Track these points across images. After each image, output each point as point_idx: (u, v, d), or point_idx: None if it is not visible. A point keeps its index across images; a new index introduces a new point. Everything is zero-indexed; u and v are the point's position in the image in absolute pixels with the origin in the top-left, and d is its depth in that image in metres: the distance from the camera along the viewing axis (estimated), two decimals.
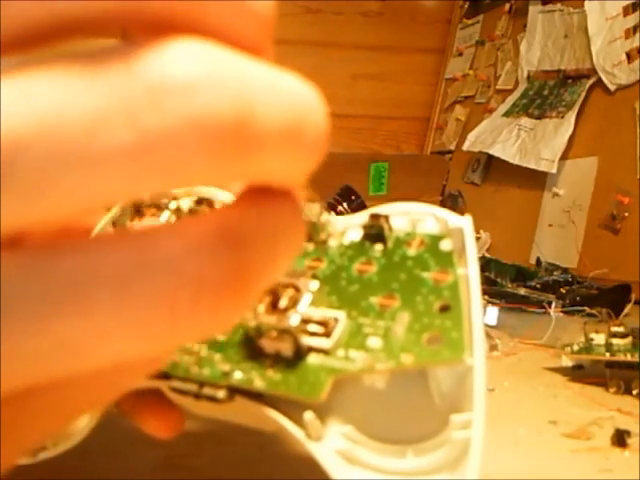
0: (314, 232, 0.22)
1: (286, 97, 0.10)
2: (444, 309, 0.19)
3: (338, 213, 0.79)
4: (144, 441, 0.22)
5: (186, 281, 0.09)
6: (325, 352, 0.19)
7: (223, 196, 0.24)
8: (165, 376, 0.21)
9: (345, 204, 0.80)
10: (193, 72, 0.09)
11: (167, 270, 0.09)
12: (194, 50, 0.09)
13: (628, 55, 0.80)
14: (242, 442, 0.29)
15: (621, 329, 0.44)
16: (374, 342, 0.19)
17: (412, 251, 0.21)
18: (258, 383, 0.19)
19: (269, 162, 0.10)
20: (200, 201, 0.24)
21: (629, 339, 0.43)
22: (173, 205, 0.24)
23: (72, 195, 0.09)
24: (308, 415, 0.19)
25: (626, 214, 0.75)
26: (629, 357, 0.41)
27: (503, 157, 0.94)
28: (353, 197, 0.82)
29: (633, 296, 0.64)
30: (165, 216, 0.23)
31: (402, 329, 0.19)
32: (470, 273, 0.20)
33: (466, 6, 1.24)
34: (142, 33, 0.10)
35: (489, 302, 0.65)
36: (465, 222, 0.21)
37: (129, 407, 0.22)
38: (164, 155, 0.09)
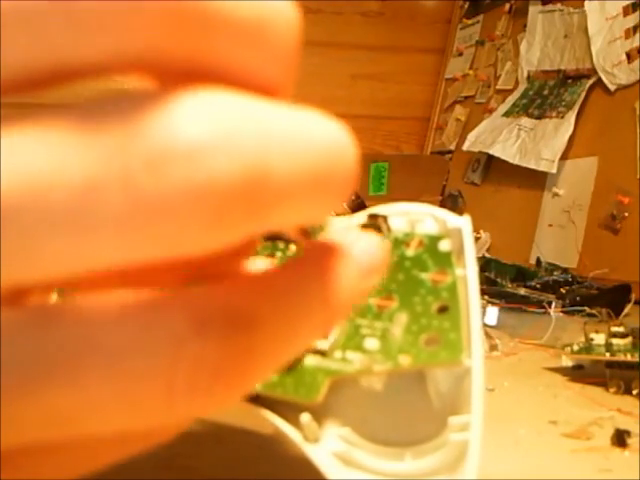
0: (312, 232, 0.22)
1: (310, 144, 0.09)
2: (442, 310, 0.19)
3: (338, 213, 0.79)
4: None
5: (185, 362, 0.09)
6: (322, 353, 0.19)
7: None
8: None
9: (345, 204, 0.80)
10: (198, 134, 0.08)
11: (167, 348, 0.09)
12: (203, 106, 0.09)
13: (628, 55, 0.80)
14: (242, 442, 0.29)
15: (621, 329, 0.44)
16: (371, 343, 0.19)
17: (410, 252, 0.21)
18: None
19: (290, 213, 0.09)
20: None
21: (629, 339, 0.43)
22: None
23: (62, 261, 0.08)
24: (305, 417, 0.19)
25: (626, 214, 0.75)
26: (629, 357, 0.41)
27: (503, 157, 0.94)
28: (353, 197, 0.82)
29: (633, 296, 0.64)
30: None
31: (400, 330, 0.19)
32: (468, 274, 0.20)
33: (466, 6, 1.24)
34: (151, 77, 0.09)
35: (489, 302, 0.65)
36: (464, 222, 0.21)
37: None
38: (160, 225, 0.08)
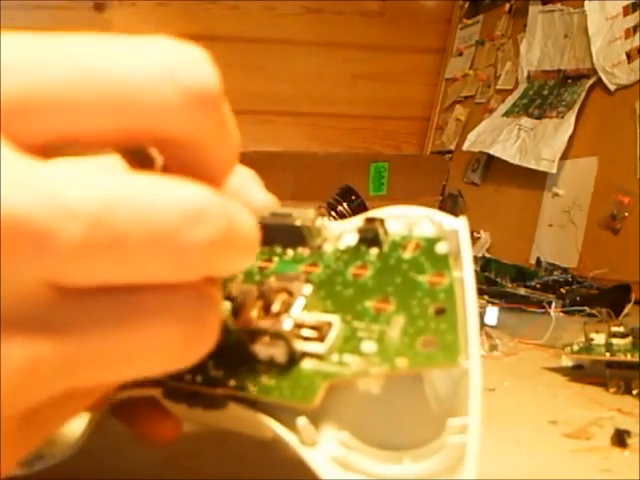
0: (309, 237, 0.22)
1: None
2: (439, 312, 0.19)
3: (338, 213, 0.79)
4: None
5: (189, 324, 0.15)
6: (319, 357, 0.19)
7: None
8: (159, 383, 0.20)
9: (345, 204, 0.80)
10: (210, 208, 0.14)
11: (181, 315, 0.14)
12: (206, 192, 0.14)
13: (628, 55, 0.80)
14: (242, 442, 0.29)
15: (621, 329, 0.44)
16: (368, 346, 0.19)
17: (408, 254, 0.21)
18: (251, 389, 0.19)
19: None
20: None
21: (629, 339, 0.43)
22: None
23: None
24: (301, 421, 0.19)
25: (626, 214, 0.75)
26: (629, 357, 0.41)
27: (503, 157, 0.94)
28: (353, 197, 0.82)
29: (633, 296, 0.64)
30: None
31: (397, 333, 0.19)
32: (465, 276, 0.19)
33: (466, 6, 1.24)
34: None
35: (489, 302, 0.65)
36: (460, 224, 0.21)
37: (125, 414, 0.22)
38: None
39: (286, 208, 0.22)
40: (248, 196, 0.26)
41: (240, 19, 1.20)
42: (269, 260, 0.22)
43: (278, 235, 0.22)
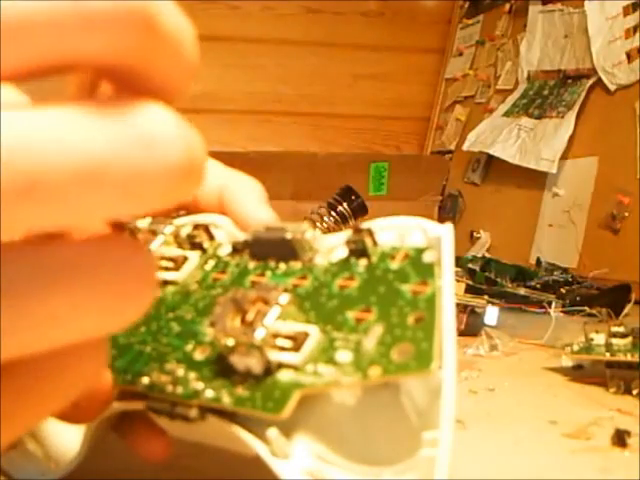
0: (300, 250, 0.22)
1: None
2: (418, 321, 0.18)
3: (338, 213, 0.79)
4: None
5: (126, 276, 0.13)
6: (294, 367, 0.19)
7: (221, 220, 0.25)
8: (143, 396, 0.20)
9: (345, 204, 0.80)
10: (167, 131, 0.12)
11: (114, 267, 0.13)
12: (162, 114, 0.13)
13: (628, 55, 0.80)
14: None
15: (621, 329, 0.44)
16: (344, 356, 0.19)
17: (395, 264, 0.20)
18: (226, 400, 0.19)
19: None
20: (197, 226, 0.25)
21: (629, 339, 0.43)
22: (169, 230, 0.24)
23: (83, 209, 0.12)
24: (272, 432, 0.18)
25: (626, 214, 0.75)
26: (629, 357, 0.41)
27: (503, 157, 0.94)
28: (353, 197, 0.81)
29: (633, 296, 0.64)
30: (158, 241, 0.24)
31: (373, 342, 0.18)
32: (444, 283, 0.19)
33: (466, 6, 1.24)
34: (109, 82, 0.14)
35: (489, 302, 0.65)
36: (444, 231, 0.20)
37: (123, 430, 0.23)
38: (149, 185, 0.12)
39: (281, 223, 0.22)
40: (246, 210, 0.26)
41: (240, 19, 1.20)
42: (262, 274, 0.22)
43: (271, 249, 0.22)
